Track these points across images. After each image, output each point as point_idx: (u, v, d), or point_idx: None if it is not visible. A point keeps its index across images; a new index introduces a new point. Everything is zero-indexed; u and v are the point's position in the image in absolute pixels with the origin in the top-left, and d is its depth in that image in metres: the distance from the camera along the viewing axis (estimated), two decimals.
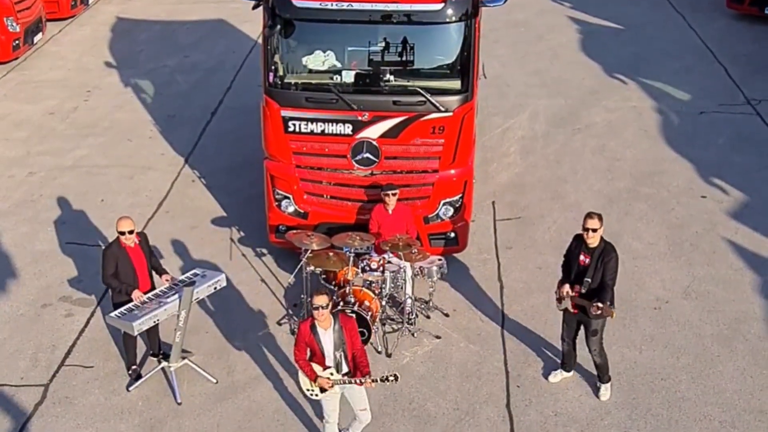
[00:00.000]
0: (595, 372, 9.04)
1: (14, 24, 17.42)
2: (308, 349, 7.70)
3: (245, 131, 14.46)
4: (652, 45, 18.38)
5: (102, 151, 14.29)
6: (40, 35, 18.70)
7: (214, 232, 11.96)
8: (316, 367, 7.66)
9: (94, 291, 10.64)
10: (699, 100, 15.67)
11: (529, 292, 10.59)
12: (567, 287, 8.58)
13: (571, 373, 9.19)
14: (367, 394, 7.98)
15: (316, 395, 7.84)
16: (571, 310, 8.69)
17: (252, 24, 19.09)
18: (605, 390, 8.95)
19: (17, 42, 17.63)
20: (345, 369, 7.69)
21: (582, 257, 8.53)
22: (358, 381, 7.63)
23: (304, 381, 7.83)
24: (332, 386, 7.65)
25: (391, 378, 7.60)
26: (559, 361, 9.31)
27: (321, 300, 7.48)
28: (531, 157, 13.87)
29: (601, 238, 8.49)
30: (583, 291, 8.51)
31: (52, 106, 15.96)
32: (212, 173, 13.49)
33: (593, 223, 8.41)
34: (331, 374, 7.66)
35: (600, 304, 8.22)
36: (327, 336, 7.60)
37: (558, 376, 9.19)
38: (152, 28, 20.01)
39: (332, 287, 9.95)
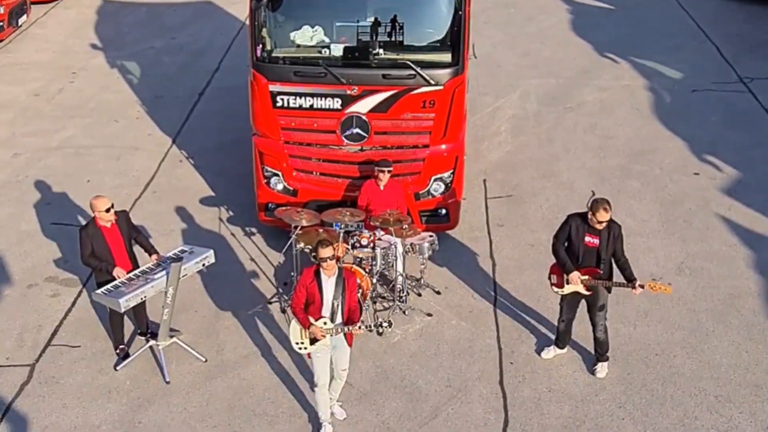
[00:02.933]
0: (589, 349, 8.94)
1: None
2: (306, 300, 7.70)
3: (233, 111, 14.28)
4: (643, 25, 18.26)
5: (88, 132, 14.09)
6: (24, 17, 18.43)
7: (202, 211, 11.80)
8: (310, 319, 7.66)
9: (81, 271, 10.44)
10: (691, 79, 15.57)
11: (521, 270, 10.48)
12: (578, 274, 8.39)
13: (565, 349, 9.09)
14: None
15: (305, 348, 7.83)
16: (585, 293, 8.53)
17: (240, 5, 18.91)
18: (602, 368, 8.83)
19: (1, 24, 17.36)
20: (339, 320, 7.70)
21: (588, 238, 8.36)
22: (350, 328, 7.65)
23: (295, 333, 7.83)
24: (324, 336, 7.60)
25: (385, 324, 7.71)
26: (552, 337, 9.20)
27: (327, 252, 7.54)
28: (522, 136, 13.74)
29: None
30: (601, 272, 8.38)
31: (37, 87, 15.73)
32: (200, 153, 13.32)
33: (603, 216, 8.17)
34: (324, 323, 7.65)
35: (642, 284, 8.13)
36: (329, 283, 7.65)
37: (551, 352, 9.08)
38: (139, 11, 19.76)
39: None
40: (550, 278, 8.76)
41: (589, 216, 8.28)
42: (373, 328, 7.95)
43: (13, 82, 15.98)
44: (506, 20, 18.80)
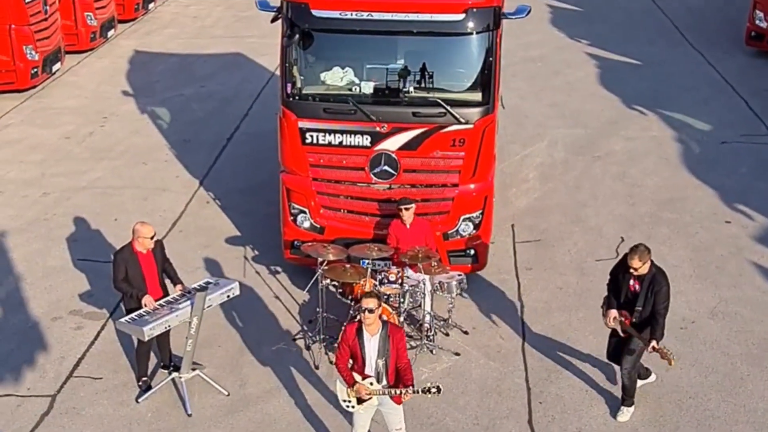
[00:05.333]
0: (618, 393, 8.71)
1: (33, 52, 17.51)
2: (350, 357, 7.33)
3: (261, 156, 14.36)
4: (670, 79, 18.29)
5: (117, 173, 14.20)
6: (58, 65, 18.79)
7: (227, 250, 11.76)
8: (356, 376, 7.29)
9: (105, 305, 10.42)
10: (720, 131, 15.50)
11: (550, 312, 10.30)
12: (614, 313, 8.25)
13: (653, 377, 8.88)
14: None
15: (353, 407, 7.41)
16: (621, 334, 8.35)
17: (269, 57, 19.18)
18: (624, 412, 8.56)
19: (36, 70, 17.70)
20: (385, 382, 7.26)
21: (632, 282, 8.21)
22: (396, 391, 7.21)
23: (342, 390, 7.40)
24: (370, 396, 7.26)
25: (434, 390, 7.12)
26: (582, 379, 8.98)
27: (370, 302, 7.09)
28: (550, 183, 13.67)
29: (651, 263, 8.11)
30: (635, 320, 8.21)
31: (68, 131, 15.94)
32: (227, 195, 13.35)
33: (635, 263, 8.02)
34: (371, 384, 7.25)
35: (656, 345, 7.96)
36: (372, 342, 7.18)
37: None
38: (169, 60, 20.10)
39: (349, 301, 9.69)
40: (602, 306, 8.59)
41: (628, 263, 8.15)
42: (420, 393, 7.23)
43: (45, 126, 16.20)
44: (533, 74, 18.90)
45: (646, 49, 20.24)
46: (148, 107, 17.09)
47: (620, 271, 8.34)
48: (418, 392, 7.22)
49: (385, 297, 9.48)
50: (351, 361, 7.34)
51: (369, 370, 7.23)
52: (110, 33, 21.53)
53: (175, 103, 17.37)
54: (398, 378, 7.26)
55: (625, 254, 8.26)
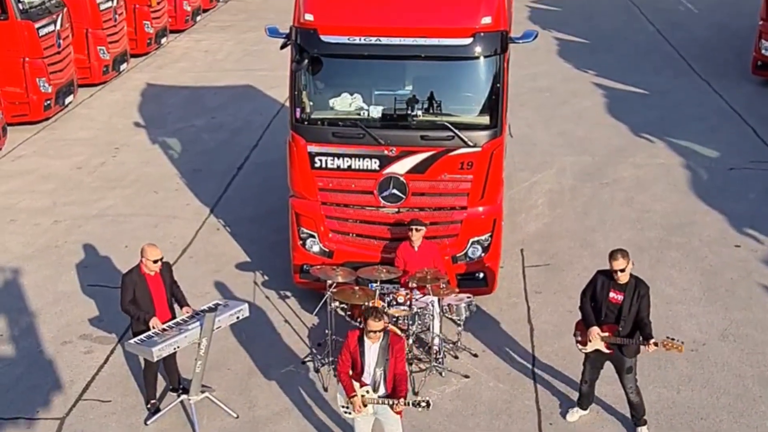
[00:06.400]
0: (629, 413, 8.65)
1: (46, 85, 17.73)
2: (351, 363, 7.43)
3: (271, 183, 14.44)
4: (678, 108, 18.36)
5: (127, 201, 14.30)
6: (71, 97, 19.02)
7: (237, 275, 11.80)
8: (354, 384, 7.36)
9: (115, 329, 10.45)
10: (728, 158, 15.51)
11: (560, 335, 10.26)
12: (596, 330, 8.23)
13: (588, 411, 8.81)
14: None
15: (350, 414, 7.52)
16: (605, 351, 8.34)
17: (279, 89, 19.35)
18: None
19: (48, 102, 17.92)
20: (383, 390, 7.36)
21: (613, 294, 8.22)
22: (389, 402, 7.30)
23: (342, 396, 7.53)
24: (365, 406, 7.31)
25: (423, 404, 7.24)
26: (593, 402, 8.93)
27: (377, 326, 7.24)
28: (559, 209, 13.69)
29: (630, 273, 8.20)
30: (621, 329, 8.19)
31: (80, 161, 16.09)
32: (237, 222, 13.41)
33: (618, 264, 8.09)
34: (367, 392, 7.35)
35: (657, 342, 7.93)
36: (372, 350, 7.32)
37: (575, 414, 8.79)
38: (181, 93, 20.32)
39: (358, 324, 9.68)
40: (575, 335, 8.57)
41: (611, 268, 8.15)
42: (411, 406, 7.40)
43: (57, 156, 16.36)
44: (541, 103, 19.01)
45: (652, 79, 20.34)
46: (160, 138, 17.25)
47: (596, 287, 8.31)
48: (408, 404, 7.35)
49: (394, 319, 9.47)
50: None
51: (367, 377, 7.34)
52: (123, 66, 21.80)
53: (186, 134, 17.53)
54: (394, 386, 7.37)
55: (597, 272, 8.34)
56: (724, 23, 25.37)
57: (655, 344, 7.96)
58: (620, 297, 8.19)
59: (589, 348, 8.38)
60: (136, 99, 19.98)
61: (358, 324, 9.65)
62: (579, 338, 8.48)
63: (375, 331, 7.26)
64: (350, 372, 7.45)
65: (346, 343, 7.42)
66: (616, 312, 8.22)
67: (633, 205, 13.76)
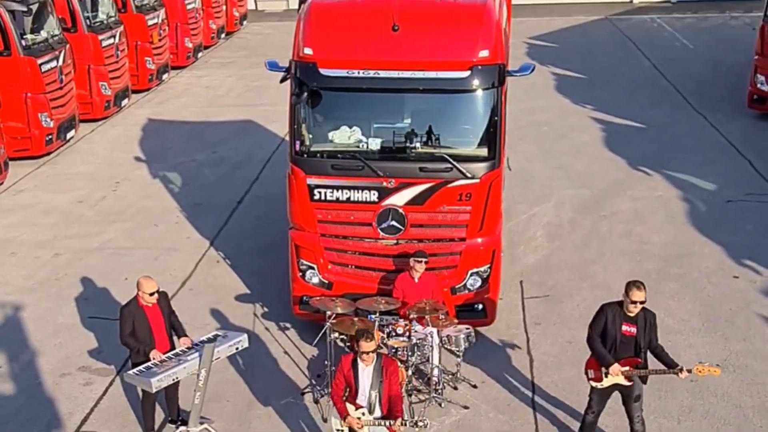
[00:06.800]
0: None
1: (48, 120, 17.89)
2: (345, 387, 7.46)
3: (271, 217, 14.48)
4: (675, 142, 18.48)
5: (128, 234, 14.36)
6: (72, 132, 19.16)
7: (237, 307, 11.83)
8: (349, 407, 7.38)
9: (114, 361, 10.45)
10: (725, 190, 15.59)
11: (560, 365, 10.26)
12: (618, 367, 8.19)
13: None
14: None
15: None
16: (626, 384, 8.32)
17: (279, 123, 19.48)
18: None
19: (50, 137, 18.06)
20: (378, 413, 7.43)
21: (626, 327, 8.22)
22: (387, 423, 7.35)
23: (337, 420, 7.58)
24: (361, 428, 7.33)
25: (421, 423, 7.30)
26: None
27: (369, 346, 7.36)
28: (557, 241, 13.75)
29: None
30: (641, 361, 8.21)
31: (81, 195, 16.18)
32: (237, 255, 13.46)
33: (641, 296, 8.11)
34: (363, 414, 7.41)
35: (690, 369, 7.96)
36: (366, 372, 7.43)
37: None
38: (182, 128, 20.48)
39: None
40: (587, 373, 8.55)
41: (624, 300, 8.18)
42: (408, 426, 7.48)
43: (58, 191, 16.46)
44: (539, 137, 19.15)
45: (649, 113, 20.49)
46: (161, 172, 17.36)
47: (607, 322, 8.27)
48: (405, 424, 7.40)
49: (393, 350, 9.48)
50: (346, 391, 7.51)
51: (362, 400, 7.41)
52: (124, 102, 21.99)
53: (187, 168, 17.64)
54: (390, 408, 7.43)
55: (603, 306, 8.35)
56: (719, 59, 25.61)
57: (689, 371, 7.97)
58: (633, 329, 8.20)
59: (606, 383, 8.35)
60: (138, 134, 20.13)
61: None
62: (592, 376, 8.45)
63: (367, 352, 7.38)
64: (345, 396, 7.48)
65: (340, 366, 7.55)
66: (632, 344, 8.23)
67: (631, 237, 13.82)
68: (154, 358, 8.59)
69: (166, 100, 23.20)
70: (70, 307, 11.90)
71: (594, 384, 8.47)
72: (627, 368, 8.22)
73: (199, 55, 27.88)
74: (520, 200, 15.34)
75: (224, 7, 31.00)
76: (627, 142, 18.51)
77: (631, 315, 8.19)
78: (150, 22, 23.52)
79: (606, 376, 8.31)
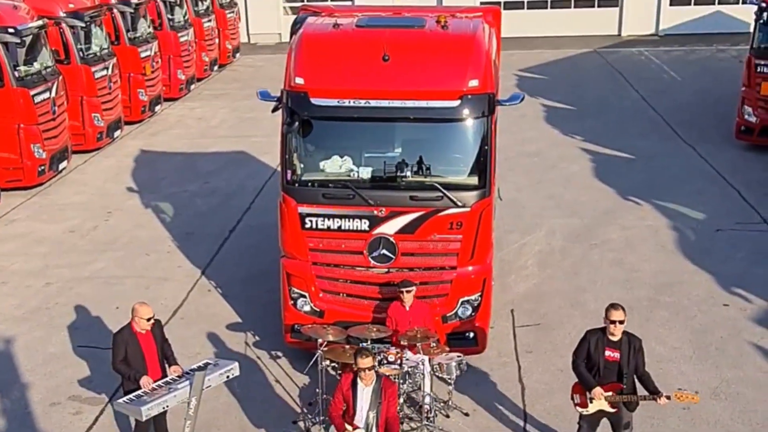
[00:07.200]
0: None
1: (41, 150, 17.93)
2: (344, 407, 7.49)
3: (263, 246, 14.52)
4: (664, 172, 18.63)
5: (119, 264, 14.36)
6: (65, 163, 19.20)
7: (228, 336, 11.82)
8: (347, 427, 7.43)
9: (104, 390, 10.41)
10: (715, 219, 15.70)
11: (552, 393, 10.27)
12: (600, 390, 8.24)
13: None
14: None
15: None
16: (610, 410, 8.34)
17: (272, 155, 19.53)
18: None
19: (43, 168, 18.09)
20: None
21: (609, 353, 8.26)
22: None
23: None
24: None
25: None
26: None
27: (366, 363, 7.48)
28: (548, 270, 13.81)
29: None
30: (625, 387, 8.23)
31: (73, 225, 16.18)
32: (228, 283, 13.47)
33: (619, 315, 8.19)
34: None
35: (669, 395, 8.01)
36: (365, 393, 7.52)
37: None
38: (174, 159, 20.54)
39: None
40: (573, 398, 8.58)
41: (605, 323, 8.23)
42: None
43: (50, 221, 16.47)
44: (530, 167, 19.28)
45: (638, 144, 20.67)
46: (153, 202, 17.39)
47: (590, 347, 8.32)
48: None
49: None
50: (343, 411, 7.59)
51: (359, 420, 7.37)
52: (117, 133, 22.05)
53: (179, 198, 17.67)
54: (386, 430, 7.48)
55: (587, 332, 8.40)
56: (706, 90, 25.90)
57: (667, 397, 8.01)
58: (616, 354, 8.23)
59: (592, 409, 8.37)
60: (130, 165, 20.18)
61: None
62: (577, 401, 8.47)
63: (365, 369, 7.47)
64: (344, 415, 7.52)
65: (339, 385, 7.64)
66: (615, 369, 8.26)
67: (622, 266, 13.89)
68: (144, 386, 8.56)
69: (159, 132, 23.29)
70: (60, 336, 11.87)
71: (580, 410, 8.50)
72: (610, 393, 8.24)
73: (192, 87, 28.03)
74: (511, 229, 15.41)
75: (217, 40, 31.21)
76: (616, 173, 18.65)
77: (614, 339, 8.24)
78: (143, 54, 23.67)
79: (591, 402, 8.33)
